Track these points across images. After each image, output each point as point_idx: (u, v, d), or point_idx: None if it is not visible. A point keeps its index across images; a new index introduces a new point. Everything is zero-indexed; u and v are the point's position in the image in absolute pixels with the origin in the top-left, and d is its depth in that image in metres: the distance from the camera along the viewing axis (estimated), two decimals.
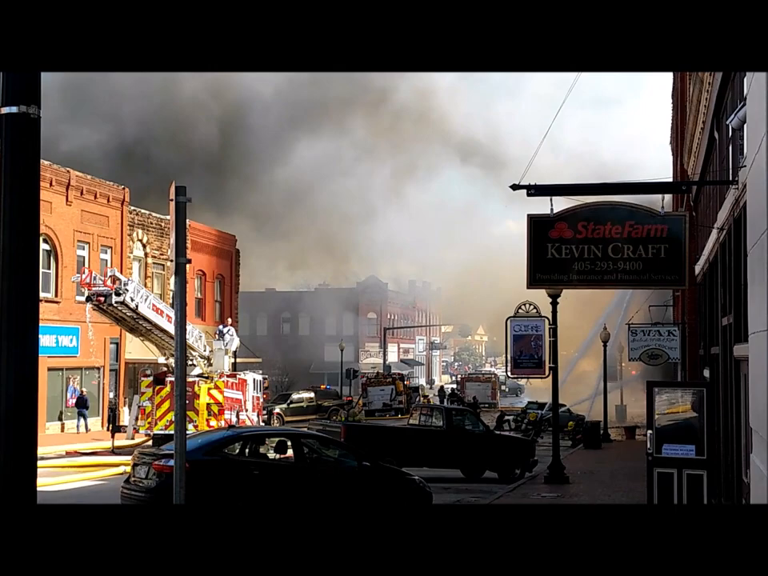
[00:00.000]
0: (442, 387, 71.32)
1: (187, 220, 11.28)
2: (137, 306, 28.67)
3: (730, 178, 14.63)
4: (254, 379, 35.54)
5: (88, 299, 28.34)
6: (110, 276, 28.77)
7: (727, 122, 13.90)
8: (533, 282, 16.46)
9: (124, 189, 45.05)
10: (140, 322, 29.98)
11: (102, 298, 28.01)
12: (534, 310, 27.65)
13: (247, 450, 16.79)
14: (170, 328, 30.27)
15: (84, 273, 29.01)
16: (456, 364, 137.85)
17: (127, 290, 28.20)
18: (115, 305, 28.06)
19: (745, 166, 11.63)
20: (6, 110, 4.93)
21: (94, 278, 28.33)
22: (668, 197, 20.67)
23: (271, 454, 17.42)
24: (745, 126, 11.49)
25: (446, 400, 61.89)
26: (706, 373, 21.15)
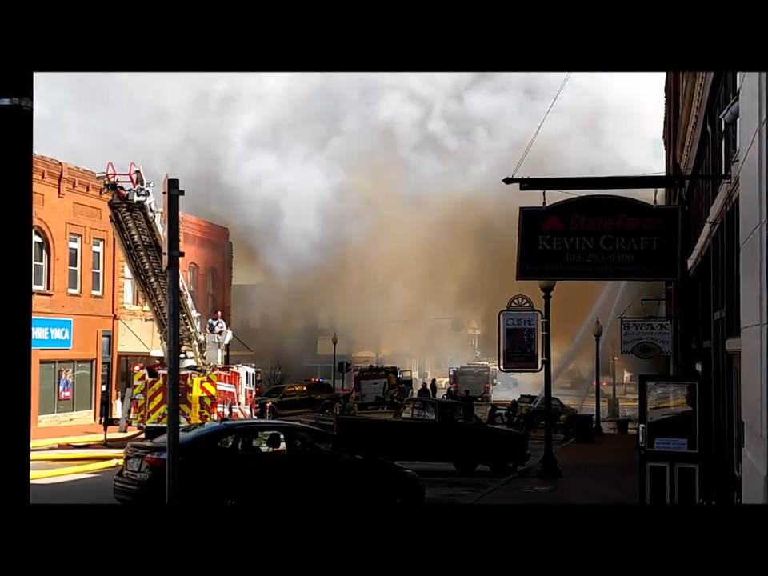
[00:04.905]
0: (433, 381, 70.84)
1: (180, 213, 11.24)
2: (153, 218, 27.41)
3: (723, 173, 14.65)
4: (247, 372, 35.55)
5: (112, 187, 27.31)
6: (135, 172, 27.64)
7: (720, 117, 13.91)
8: (523, 273, 16.45)
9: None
10: (150, 257, 28.77)
11: (125, 193, 27.13)
12: (527, 304, 27.68)
13: (240, 444, 16.79)
14: (180, 279, 29.64)
15: (109, 168, 27.87)
16: (449, 357, 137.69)
17: (149, 193, 27.22)
18: (136, 204, 27.14)
19: (737, 160, 11.65)
20: None
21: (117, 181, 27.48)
22: (660, 191, 20.70)
23: (264, 448, 17.43)
24: (737, 120, 11.49)
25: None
26: (698, 367, 21.19)
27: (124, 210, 27.62)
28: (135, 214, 27.71)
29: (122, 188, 27.24)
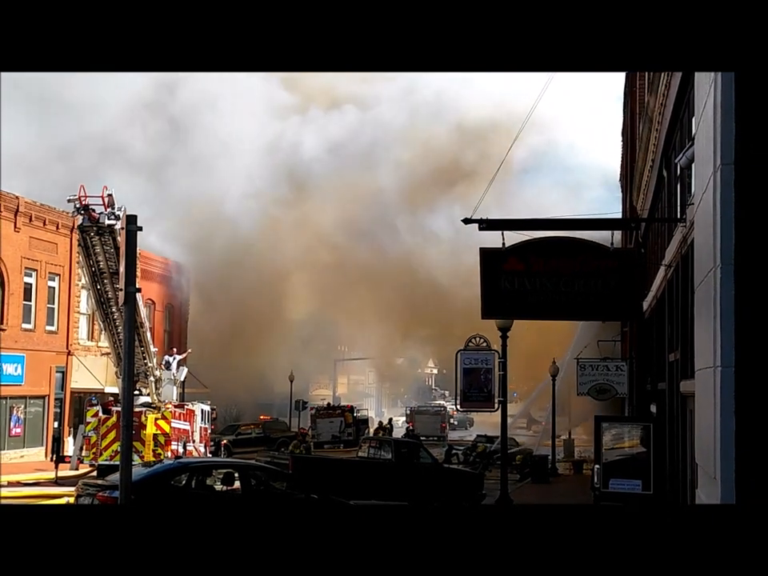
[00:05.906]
0: (390, 420, 70.27)
1: (138, 248, 11.18)
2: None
3: (678, 216, 14.85)
4: (202, 410, 35.25)
5: (85, 208, 26.83)
6: (108, 195, 27.17)
7: (676, 161, 14.11)
8: (488, 312, 16.50)
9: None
10: (114, 285, 27.86)
11: (96, 215, 26.70)
12: (485, 344, 27.74)
13: (194, 482, 16.60)
14: (142, 311, 29.36)
15: (81, 191, 27.37)
16: (406, 396, 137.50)
17: (119, 218, 26.21)
18: (106, 228, 26.73)
19: (692, 204, 11.81)
20: None
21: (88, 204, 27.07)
22: (617, 234, 20.91)
23: (218, 486, 17.24)
24: (693, 164, 11.66)
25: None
26: (653, 408, 21.32)
27: (93, 233, 27.33)
28: (104, 239, 27.45)
29: (93, 210, 26.94)
